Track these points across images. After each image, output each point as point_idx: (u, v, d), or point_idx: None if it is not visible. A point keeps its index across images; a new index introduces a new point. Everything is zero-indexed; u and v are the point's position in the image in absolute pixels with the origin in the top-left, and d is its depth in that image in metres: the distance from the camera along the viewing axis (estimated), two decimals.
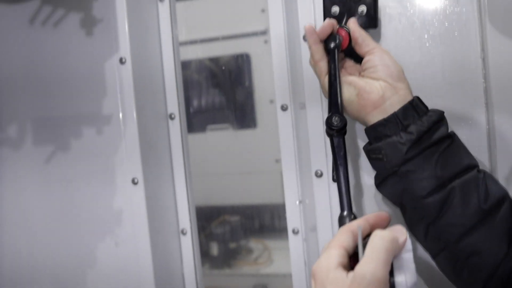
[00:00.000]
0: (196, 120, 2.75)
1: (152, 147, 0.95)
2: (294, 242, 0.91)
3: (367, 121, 0.68)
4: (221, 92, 2.72)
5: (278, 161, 0.95)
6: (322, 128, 0.82)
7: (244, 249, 2.55)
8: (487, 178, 0.66)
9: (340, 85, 0.69)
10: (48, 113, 0.97)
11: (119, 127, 0.92)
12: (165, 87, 0.98)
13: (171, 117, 0.99)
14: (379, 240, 0.48)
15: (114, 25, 0.90)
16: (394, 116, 0.65)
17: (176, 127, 0.99)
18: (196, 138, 2.72)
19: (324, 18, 0.75)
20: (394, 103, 0.66)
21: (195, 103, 2.75)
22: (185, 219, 1.00)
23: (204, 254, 2.65)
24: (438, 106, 0.69)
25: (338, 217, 0.64)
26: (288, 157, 0.90)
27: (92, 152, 0.94)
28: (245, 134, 2.65)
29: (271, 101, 2.54)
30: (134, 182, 0.92)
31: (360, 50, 0.71)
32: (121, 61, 0.91)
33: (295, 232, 0.92)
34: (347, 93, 0.69)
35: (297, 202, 0.91)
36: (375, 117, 0.67)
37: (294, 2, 0.84)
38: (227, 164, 2.64)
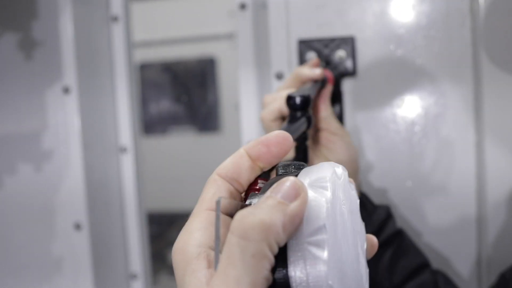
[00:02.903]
0: (157, 123, 2.63)
1: (99, 187, 0.84)
2: None
3: None
4: (185, 95, 2.61)
5: None
6: None
7: None
8: (441, 281, 0.61)
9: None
10: None
11: (61, 165, 0.80)
12: (118, 118, 0.87)
13: (123, 149, 0.88)
14: (235, 239, 0.24)
15: (58, 49, 0.78)
16: None
17: (129, 161, 0.89)
18: (157, 141, 2.61)
19: (300, 64, 0.67)
20: None
21: (157, 105, 2.63)
22: (137, 265, 0.90)
23: (162, 261, 2.56)
24: None
25: None
26: None
27: (29, 192, 0.82)
28: (208, 138, 2.57)
29: (236, 106, 2.46)
30: (77, 227, 0.81)
31: (319, 124, 0.60)
32: (65, 91, 0.79)
33: None
34: None
35: None
36: None
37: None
38: (188, 168, 2.55)
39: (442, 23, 0.68)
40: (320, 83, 0.61)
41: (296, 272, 0.24)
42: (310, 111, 0.50)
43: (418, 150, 0.71)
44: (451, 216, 0.70)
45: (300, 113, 0.49)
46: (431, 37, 0.69)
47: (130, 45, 0.88)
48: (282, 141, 0.29)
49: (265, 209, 0.24)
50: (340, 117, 0.69)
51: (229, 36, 2.36)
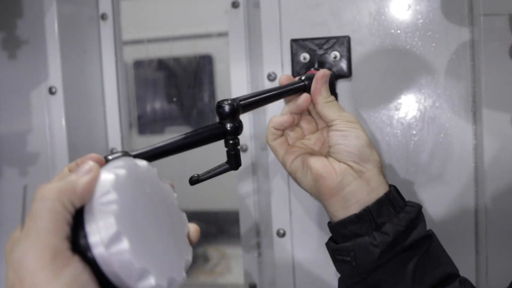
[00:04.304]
0: (154, 122, 2.60)
1: None
2: None
3: (328, 210, 0.57)
4: (181, 93, 2.59)
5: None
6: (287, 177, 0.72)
7: (201, 257, 2.45)
8: None
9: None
10: None
11: (47, 168, 0.78)
12: (106, 120, 0.85)
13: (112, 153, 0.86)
14: (36, 202, 0.32)
15: (43, 48, 0.76)
16: (367, 212, 0.54)
17: None
18: (153, 140, 2.58)
19: (293, 65, 0.65)
20: (354, 190, 0.54)
21: (152, 103, 2.60)
22: None
23: None
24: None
25: None
26: (246, 211, 0.80)
27: (13, 195, 0.80)
28: None
29: None
30: None
31: (321, 120, 0.59)
32: (51, 91, 0.77)
33: (251, 286, 0.84)
34: (305, 178, 0.57)
35: (256, 255, 0.82)
36: (333, 207, 0.56)
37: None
38: (184, 168, 2.52)
39: (439, 24, 0.66)
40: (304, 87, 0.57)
41: (91, 227, 0.31)
42: (238, 118, 0.51)
43: (414, 153, 0.69)
44: (450, 214, 0.68)
45: (228, 120, 0.51)
46: (428, 38, 0.66)
47: (119, 44, 0.86)
48: (88, 169, 0.35)
49: (63, 181, 0.33)
50: None
51: (227, 34, 2.33)
